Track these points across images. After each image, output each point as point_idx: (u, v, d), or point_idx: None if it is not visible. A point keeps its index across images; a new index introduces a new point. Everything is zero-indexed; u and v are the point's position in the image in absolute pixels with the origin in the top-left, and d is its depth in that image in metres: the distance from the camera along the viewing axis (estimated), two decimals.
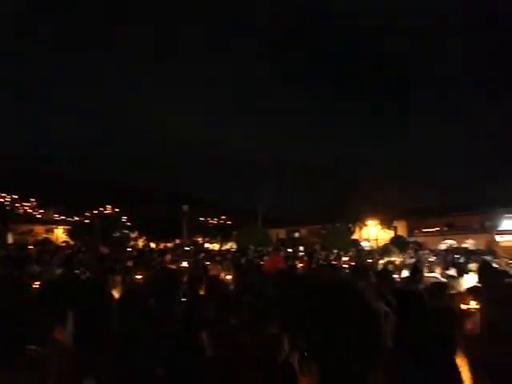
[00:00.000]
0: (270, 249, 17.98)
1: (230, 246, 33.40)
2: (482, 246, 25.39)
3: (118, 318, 3.04)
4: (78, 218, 37.15)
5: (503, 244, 16.08)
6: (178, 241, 31.02)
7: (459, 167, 67.03)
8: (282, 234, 45.54)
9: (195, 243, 32.68)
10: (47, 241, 18.77)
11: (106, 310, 3.13)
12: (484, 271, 3.80)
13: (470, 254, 16.62)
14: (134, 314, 3.04)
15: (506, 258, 11.51)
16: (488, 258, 12.74)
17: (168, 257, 11.60)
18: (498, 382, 1.86)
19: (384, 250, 8.55)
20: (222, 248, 32.82)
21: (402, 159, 70.44)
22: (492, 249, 16.72)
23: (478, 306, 2.86)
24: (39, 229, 33.56)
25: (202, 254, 12.76)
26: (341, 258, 13.69)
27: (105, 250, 12.24)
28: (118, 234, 33.97)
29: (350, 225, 36.10)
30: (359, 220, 37.83)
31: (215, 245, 41.48)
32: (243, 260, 11.58)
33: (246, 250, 16.26)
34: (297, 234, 43.15)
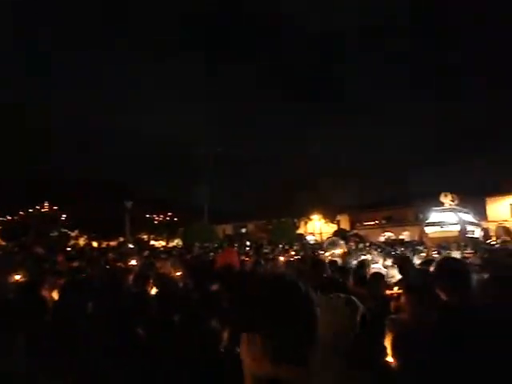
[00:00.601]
0: (215, 245, 18.04)
1: (177, 242, 32.95)
2: (416, 237, 27.19)
3: (58, 319, 2.98)
4: (10, 218, 34.79)
5: (431, 235, 17.32)
6: (122, 239, 30.03)
7: (396, 164, 71.14)
8: (228, 229, 45.68)
9: (140, 241, 31.90)
10: None
11: (39, 312, 3.05)
12: (403, 264, 4.27)
13: (405, 245, 17.86)
14: (75, 313, 2.99)
15: (433, 247, 12.43)
16: (420, 248, 13.73)
17: (110, 255, 11.25)
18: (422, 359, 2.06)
19: (331, 243, 8.88)
20: (169, 245, 32.26)
21: (343, 157, 73.33)
22: (423, 239, 17.99)
23: (400, 291, 3.22)
24: None
25: (146, 252, 12.51)
26: (288, 252, 14.00)
27: (40, 250, 11.60)
28: (56, 234, 32.24)
29: (296, 220, 37.00)
30: (304, 215, 38.91)
31: (161, 242, 40.71)
32: (188, 257, 11.52)
33: (192, 247, 16.18)
34: (244, 230, 43.49)
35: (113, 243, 28.98)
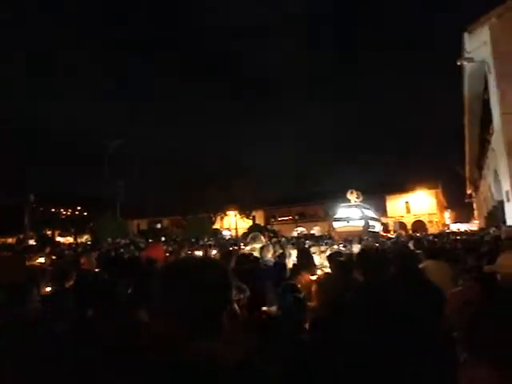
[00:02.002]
0: (127, 241, 17.38)
1: (86, 238, 31.05)
2: (326, 232, 28.88)
3: None
4: None
5: (338, 229, 18.51)
6: (22, 235, 27.39)
7: (309, 162, 75.01)
8: (143, 224, 44.23)
9: (44, 237, 29.50)
10: None
11: None
12: (302, 255, 4.61)
13: (316, 239, 18.94)
14: None
15: (339, 240, 13.35)
16: (329, 241, 14.65)
17: (4, 254, 10.25)
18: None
19: (253, 238, 9.05)
20: (77, 241, 30.24)
21: (258, 154, 75.34)
22: (331, 234, 19.21)
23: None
24: None
25: (48, 249, 11.58)
26: (210, 248, 13.80)
27: None
28: None
29: (212, 215, 37.06)
30: (220, 210, 39.10)
31: (68, 238, 38.06)
32: (95, 254, 10.91)
33: (101, 243, 15.37)
34: (159, 225, 42.40)
35: (11, 240, 26.42)
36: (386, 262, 3.14)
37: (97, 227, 25.86)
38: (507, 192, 13.22)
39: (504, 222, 13.69)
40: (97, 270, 6.09)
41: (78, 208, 47.43)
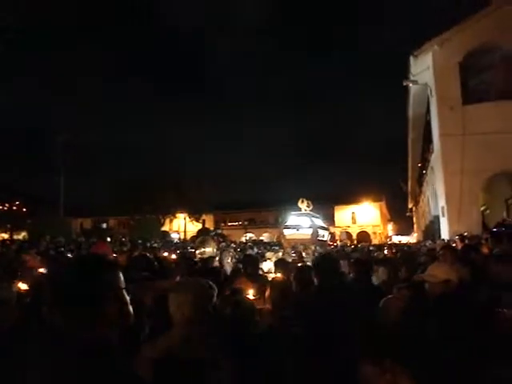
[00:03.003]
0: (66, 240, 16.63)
1: (23, 236, 29.22)
2: (275, 239, 29.28)
3: None
4: None
5: (288, 237, 18.80)
6: None
7: (260, 170, 75.93)
8: (87, 223, 42.41)
9: None
10: None
11: None
12: (248, 261, 4.72)
13: (265, 245, 19.14)
14: None
15: (289, 247, 13.62)
16: (277, 248, 14.88)
17: None
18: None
19: (201, 241, 9.03)
20: (14, 238, 28.35)
21: (211, 158, 75.23)
22: (280, 241, 19.50)
23: None
24: None
25: None
26: (161, 251, 13.40)
27: None
28: None
29: (161, 217, 36.31)
30: (169, 212, 38.40)
31: (3, 234, 35.62)
32: (34, 251, 10.32)
33: (39, 241, 14.56)
34: (104, 225, 40.84)
35: None
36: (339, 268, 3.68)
37: (35, 224, 24.45)
38: (443, 208, 14.15)
39: (439, 235, 14.63)
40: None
41: (17, 203, 44.63)
